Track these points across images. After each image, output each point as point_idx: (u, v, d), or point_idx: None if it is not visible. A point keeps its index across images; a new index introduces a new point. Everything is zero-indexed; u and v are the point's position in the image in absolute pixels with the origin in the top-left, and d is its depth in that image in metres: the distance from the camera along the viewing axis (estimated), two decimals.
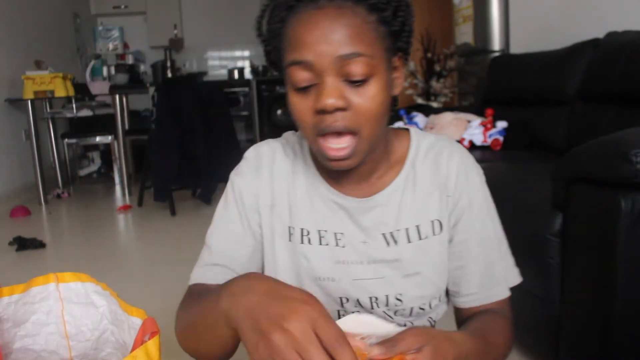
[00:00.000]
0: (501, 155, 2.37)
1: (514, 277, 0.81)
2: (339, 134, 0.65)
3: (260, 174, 0.80)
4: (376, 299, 0.77)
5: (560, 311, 1.33)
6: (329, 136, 0.66)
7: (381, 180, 0.77)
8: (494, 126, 2.55)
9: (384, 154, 0.76)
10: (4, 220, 3.76)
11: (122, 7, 6.83)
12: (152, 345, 0.71)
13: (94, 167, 5.62)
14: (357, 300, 0.78)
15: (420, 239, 0.76)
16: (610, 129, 1.33)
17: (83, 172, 5.53)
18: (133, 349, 0.75)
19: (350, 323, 0.58)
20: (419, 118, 2.77)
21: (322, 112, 0.64)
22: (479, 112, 2.70)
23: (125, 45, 6.24)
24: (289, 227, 0.79)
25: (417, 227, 0.76)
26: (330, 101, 0.62)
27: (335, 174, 0.77)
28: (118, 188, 4.67)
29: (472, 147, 2.54)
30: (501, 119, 2.55)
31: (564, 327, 1.32)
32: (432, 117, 2.74)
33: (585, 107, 2.22)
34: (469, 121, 2.61)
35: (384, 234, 0.76)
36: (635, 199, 1.10)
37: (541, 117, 2.47)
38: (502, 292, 0.78)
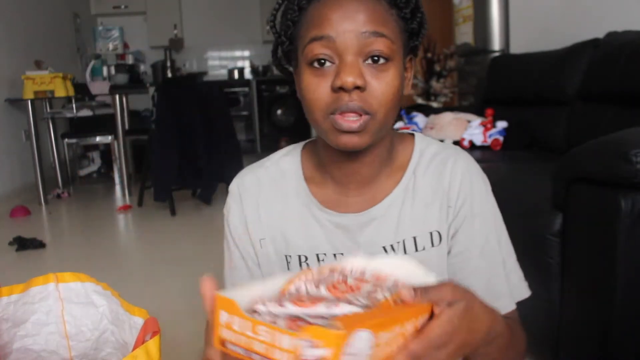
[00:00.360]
0: (501, 155, 2.37)
1: (522, 291, 0.77)
2: (353, 113, 0.64)
3: (246, 206, 0.79)
4: None
5: (560, 311, 1.33)
6: (341, 113, 0.64)
7: (382, 188, 0.75)
8: (494, 126, 2.55)
9: (388, 155, 0.75)
10: (4, 220, 3.76)
11: (122, 7, 6.83)
12: (153, 344, 0.71)
13: (94, 167, 5.61)
14: None
15: (416, 250, 0.74)
16: (610, 129, 1.33)
17: (83, 172, 5.52)
18: (134, 348, 0.74)
19: (389, 265, 0.52)
20: (419, 118, 2.77)
21: (340, 89, 0.63)
22: (479, 112, 2.69)
23: (125, 45, 6.24)
24: (286, 256, 0.77)
25: (414, 238, 0.74)
26: (350, 79, 0.62)
27: (338, 178, 0.75)
28: (118, 188, 4.66)
29: (472, 147, 2.54)
30: (501, 119, 2.55)
31: (564, 327, 1.32)
32: (432, 117, 2.74)
33: (585, 107, 2.22)
34: (469, 121, 2.61)
35: (384, 247, 0.74)
36: (635, 199, 1.10)
37: (541, 117, 2.47)
38: (505, 305, 0.74)
